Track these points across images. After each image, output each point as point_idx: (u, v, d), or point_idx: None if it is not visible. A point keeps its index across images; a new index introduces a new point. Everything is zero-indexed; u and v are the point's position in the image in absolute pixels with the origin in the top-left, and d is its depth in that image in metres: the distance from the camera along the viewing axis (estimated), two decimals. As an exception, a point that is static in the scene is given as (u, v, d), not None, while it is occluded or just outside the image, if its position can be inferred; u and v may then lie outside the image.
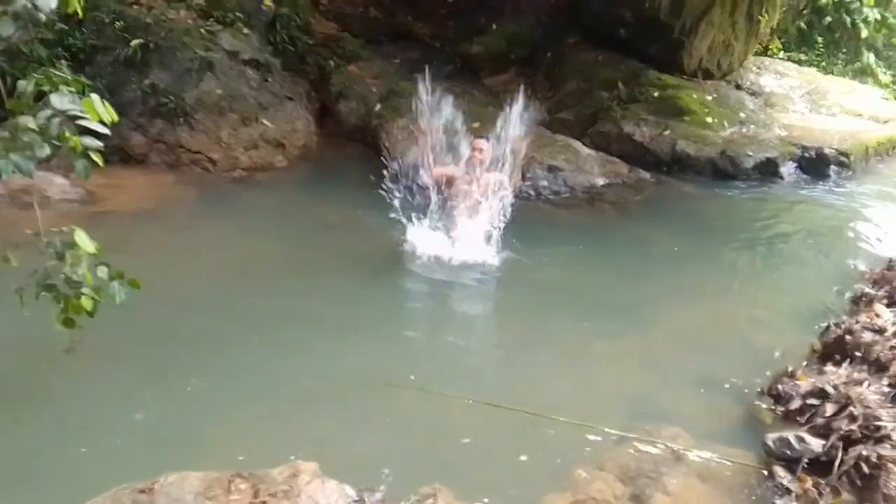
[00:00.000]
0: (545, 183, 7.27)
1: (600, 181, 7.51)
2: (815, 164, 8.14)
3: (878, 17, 11.81)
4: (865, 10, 11.54)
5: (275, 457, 2.70)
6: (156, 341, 3.86)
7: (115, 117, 2.57)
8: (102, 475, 2.84)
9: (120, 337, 3.68)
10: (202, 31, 7.27)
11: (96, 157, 2.62)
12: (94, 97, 2.50)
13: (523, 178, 7.23)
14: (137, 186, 6.42)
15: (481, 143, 5.46)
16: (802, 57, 11.75)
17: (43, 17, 2.51)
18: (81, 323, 2.82)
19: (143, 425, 3.19)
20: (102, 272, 2.76)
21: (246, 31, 7.70)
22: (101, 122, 2.59)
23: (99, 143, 2.60)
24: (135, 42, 6.85)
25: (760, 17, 9.83)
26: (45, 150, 2.62)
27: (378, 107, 8.21)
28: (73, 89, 2.60)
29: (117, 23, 6.95)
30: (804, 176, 8.08)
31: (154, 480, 2.48)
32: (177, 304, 4.29)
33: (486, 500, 2.80)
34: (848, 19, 11.68)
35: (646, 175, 7.76)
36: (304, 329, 4.10)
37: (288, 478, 2.65)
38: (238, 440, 3.12)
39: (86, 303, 2.75)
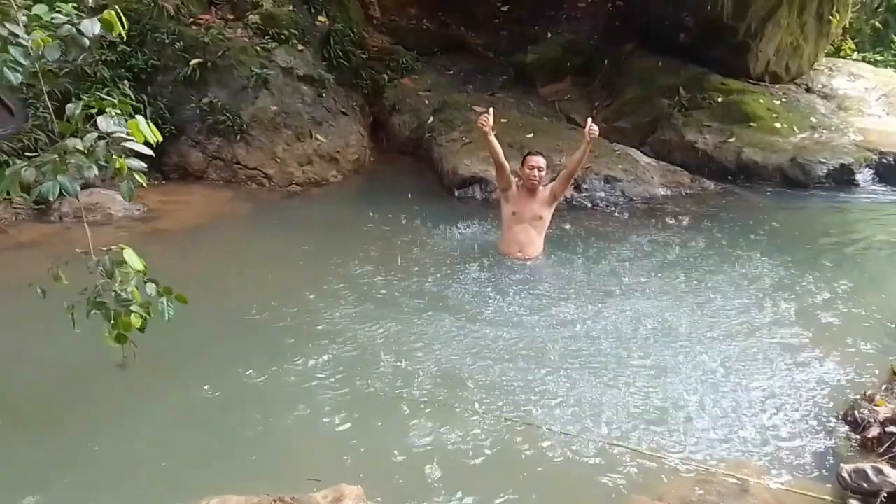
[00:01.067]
0: (602, 194, 7.07)
1: (660, 191, 7.25)
2: (894, 171, 7.66)
3: (961, 12, 11.13)
4: (946, 5, 10.90)
5: (319, 478, 2.64)
6: (204, 357, 3.88)
7: (160, 138, 2.59)
8: (145, 496, 2.86)
9: (169, 352, 3.72)
10: (258, 48, 7.40)
11: (140, 178, 2.64)
12: (139, 119, 2.53)
13: (578, 189, 7.06)
14: (195, 202, 6.57)
15: (538, 160, 5.22)
16: (878, 57, 11.14)
17: (87, 41, 2.53)
18: (133, 339, 2.85)
19: (188, 444, 3.18)
20: (151, 289, 2.78)
21: (301, 47, 7.80)
22: (147, 144, 2.61)
23: (142, 165, 2.62)
24: (194, 61, 7.03)
25: (831, 17, 9.37)
26: (94, 171, 2.66)
27: (431, 119, 8.19)
28: (119, 111, 2.63)
29: (177, 43, 7.14)
30: (882, 183, 7.59)
31: (195, 503, 2.46)
32: (227, 319, 4.32)
33: (534, 531, 2.67)
34: (927, 16, 11.05)
35: (710, 185, 7.45)
36: (356, 345, 4.04)
37: (331, 502, 2.58)
38: (281, 461, 3.08)
39: (135, 320, 2.78)
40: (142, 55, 7.08)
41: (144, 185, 2.67)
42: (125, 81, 6.73)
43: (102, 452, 3.08)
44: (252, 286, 4.87)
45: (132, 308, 2.78)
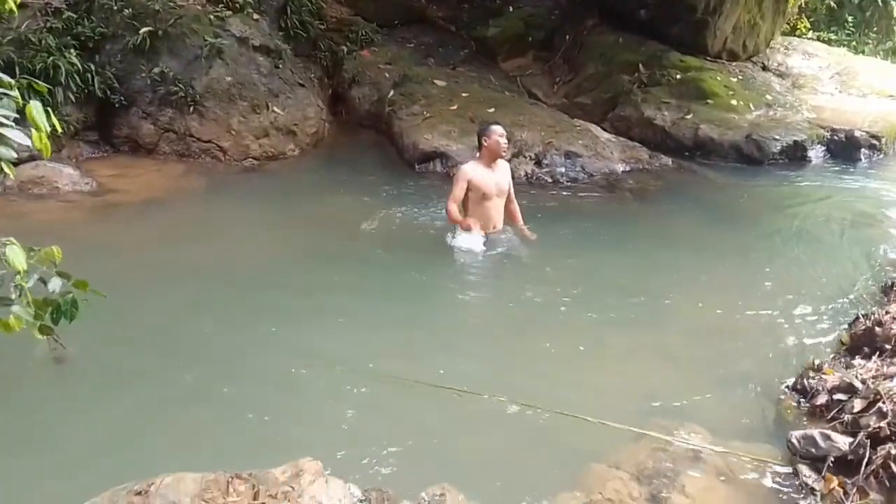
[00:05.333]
0: (562, 169, 7.08)
1: (620, 167, 7.30)
2: (846, 148, 7.85)
3: (912, -7, 11.39)
4: (898, -13, 11.13)
5: (277, 456, 2.59)
6: (157, 334, 3.78)
7: (58, 127, 2.36)
8: (98, 476, 2.77)
9: (119, 333, 3.61)
10: (211, 17, 7.15)
11: (8, 169, 2.37)
12: (35, 104, 2.26)
13: (539, 164, 7.06)
14: (147, 176, 6.37)
15: (503, 129, 5.03)
16: (832, 37, 11.35)
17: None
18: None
19: (140, 424, 3.09)
20: (56, 284, 2.47)
21: (256, 16, 7.57)
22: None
23: (11, 155, 2.34)
24: (143, 30, 6.76)
25: (788, -4, 9.51)
26: None
27: (391, 93, 8.07)
28: (12, 93, 2.39)
29: (126, 10, 6.86)
30: (834, 160, 7.79)
31: (150, 482, 2.38)
32: (180, 296, 4.21)
33: (496, 501, 2.67)
34: (880, -3, 11.27)
35: (667, 161, 7.52)
36: (310, 322, 3.98)
37: (290, 478, 2.53)
38: (239, 439, 3.02)
39: (14, 322, 2.43)
40: (89, 22, 6.78)
41: (13, 175, 2.44)
42: (71, 50, 6.45)
43: (51, 434, 2.99)
44: (202, 263, 4.74)
45: (13, 308, 2.44)
